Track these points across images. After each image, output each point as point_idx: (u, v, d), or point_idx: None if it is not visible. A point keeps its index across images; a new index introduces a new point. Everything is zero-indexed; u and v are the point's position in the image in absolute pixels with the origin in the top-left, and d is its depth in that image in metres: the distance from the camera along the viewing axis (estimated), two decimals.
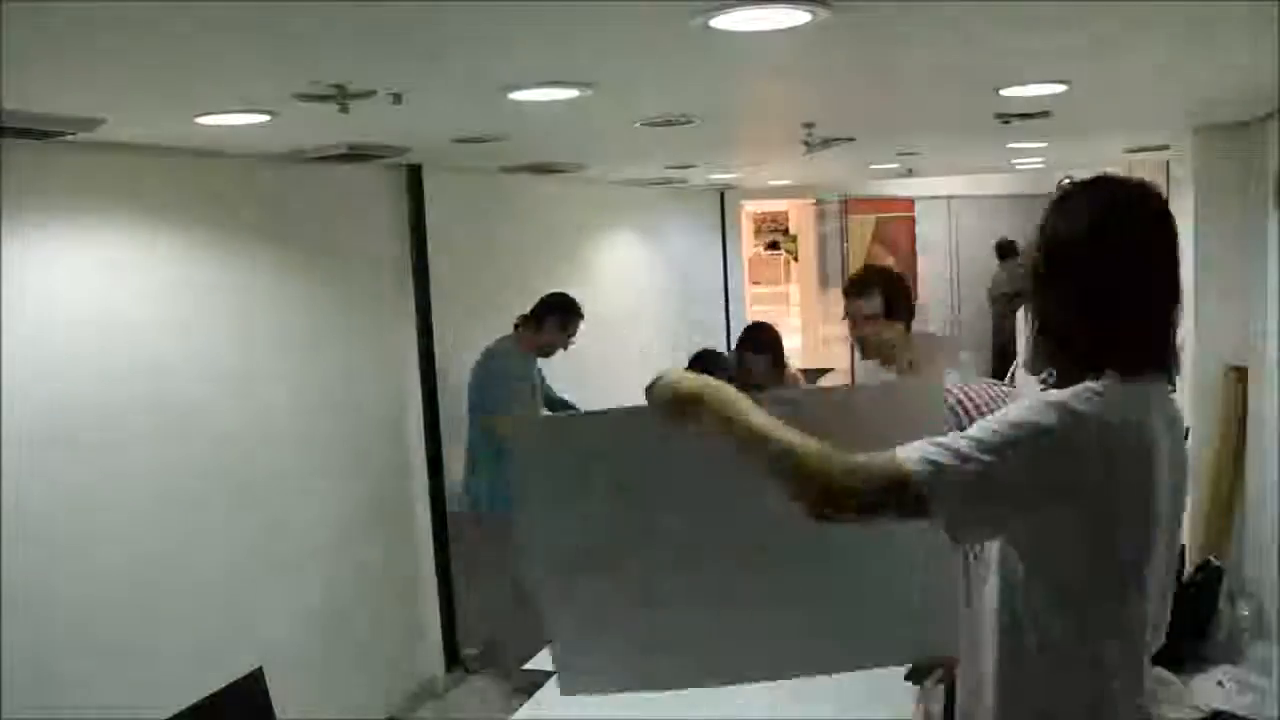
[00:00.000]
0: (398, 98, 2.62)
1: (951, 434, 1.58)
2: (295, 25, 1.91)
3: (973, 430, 1.56)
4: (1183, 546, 5.00)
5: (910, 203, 11.07)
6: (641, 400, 1.68)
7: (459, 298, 4.97)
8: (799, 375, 5.09)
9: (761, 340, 4.38)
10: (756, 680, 2.17)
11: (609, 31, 2.12)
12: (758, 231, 11.70)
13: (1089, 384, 1.58)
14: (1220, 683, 4.27)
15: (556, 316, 4.86)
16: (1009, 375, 8.18)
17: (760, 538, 1.82)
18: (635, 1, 1.89)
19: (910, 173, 8.19)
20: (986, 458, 1.52)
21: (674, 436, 1.69)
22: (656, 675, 2.04)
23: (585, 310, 4.95)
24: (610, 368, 4.84)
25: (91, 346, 3.23)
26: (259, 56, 2.18)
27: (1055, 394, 1.59)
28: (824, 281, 11.35)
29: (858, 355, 3.56)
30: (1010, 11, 2.13)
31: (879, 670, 2.77)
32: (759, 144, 5.30)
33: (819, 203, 11.07)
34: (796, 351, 10.32)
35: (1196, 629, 4.59)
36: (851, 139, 4.50)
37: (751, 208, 11.01)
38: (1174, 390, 1.71)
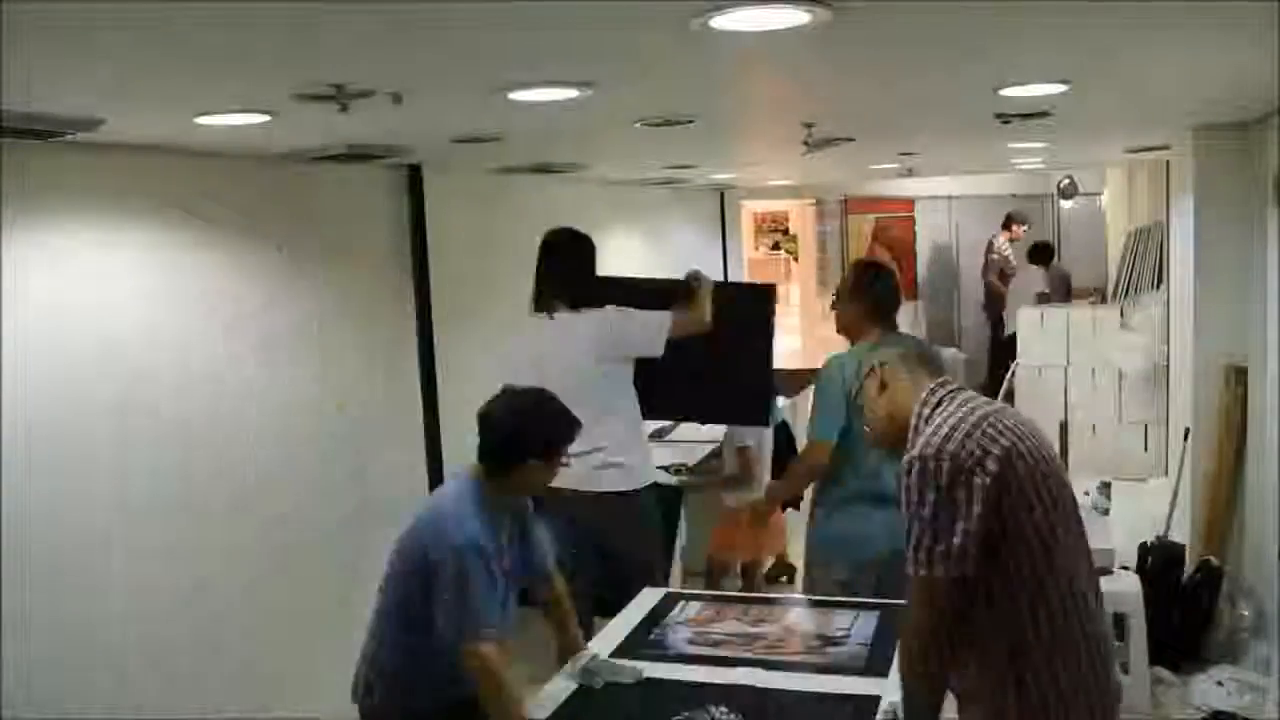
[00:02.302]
0: (398, 98, 2.62)
1: None
2: (295, 25, 1.91)
3: None
4: (1182, 546, 5.01)
5: (910, 203, 11.09)
6: None
7: (459, 298, 4.97)
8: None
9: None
10: None
11: (609, 31, 2.12)
12: (758, 231, 11.68)
13: None
14: (1220, 683, 4.27)
15: None
16: (1010, 372, 8.19)
17: None
18: (635, 1, 1.89)
19: (910, 173, 8.20)
20: None
21: None
22: None
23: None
24: None
25: (92, 347, 3.23)
26: (259, 56, 2.18)
27: None
28: (824, 281, 11.34)
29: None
30: (1010, 11, 2.13)
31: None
32: (759, 144, 5.30)
33: (819, 203, 11.08)
34: (796, 353, 10.31)
35: (1196, 629, 4.59)
36: (851, 139, 4.50)
37: (751, 207, 10.99)
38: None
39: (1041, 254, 9.74)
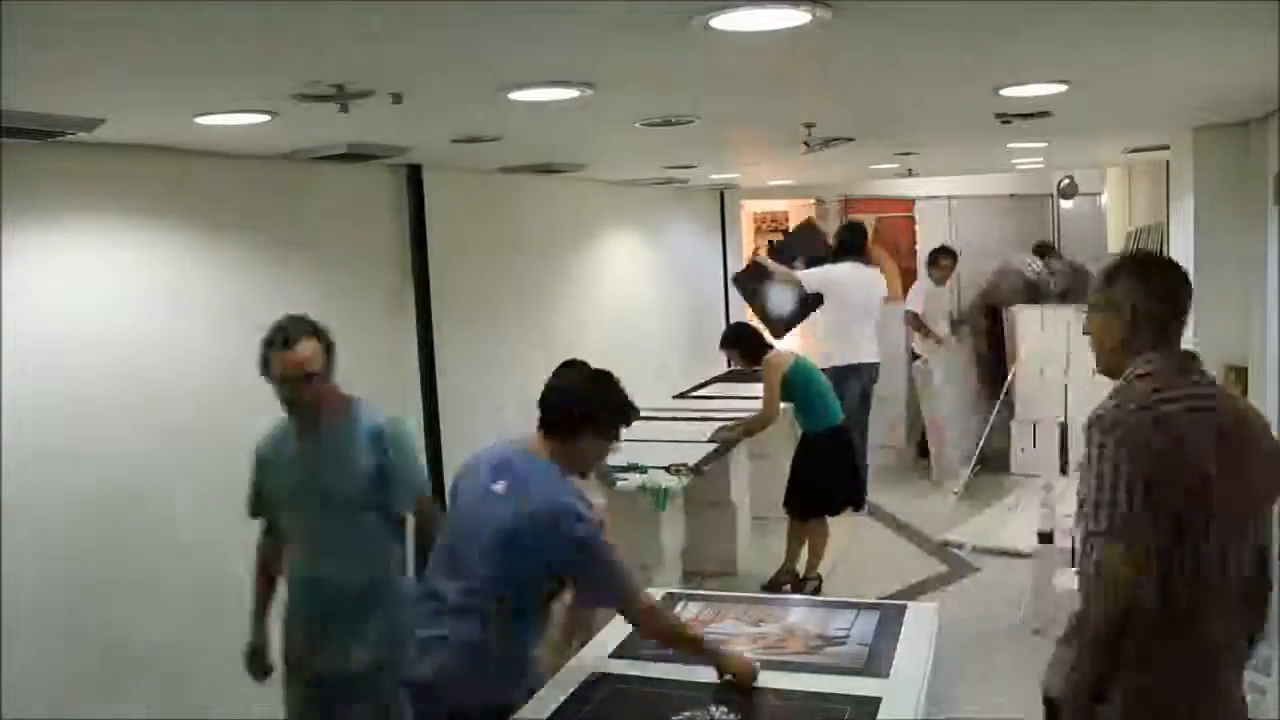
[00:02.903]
0: (398, 98, 2.62)
1: None
2: (295, 25, 1.91)
3: None
4: None
5: (910, 203, 11.07)
6: None
7: (459, 298, 4.97)
8: None
9: None
10: None
11: (609, 31, 2.12)
12: (758, 231, 11.68)
13: None
14: None
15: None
16: (1010, 375, 8.19)
17: None
18: (635, 1, 1.89)
19: (910, 173, 8.19)
20: None
21: None
22: None
23: (585, 311, 4.92)
24: (609, 368, 4.82)
25: (92, 347, 3.24)
26: (259, 56, 2.18)
27: None
28: None
29: None
30: (1010, 11, 2.14)
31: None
32: (759, 144, 5.29)
33: (819, 203, 11.07)
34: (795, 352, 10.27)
35: None
36: (851, 139, 4.50)
37: (751, 208, 10.99)
38: None
39: (940, 256, 8.40)
